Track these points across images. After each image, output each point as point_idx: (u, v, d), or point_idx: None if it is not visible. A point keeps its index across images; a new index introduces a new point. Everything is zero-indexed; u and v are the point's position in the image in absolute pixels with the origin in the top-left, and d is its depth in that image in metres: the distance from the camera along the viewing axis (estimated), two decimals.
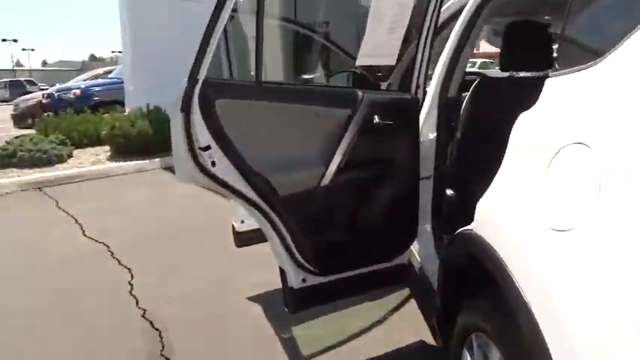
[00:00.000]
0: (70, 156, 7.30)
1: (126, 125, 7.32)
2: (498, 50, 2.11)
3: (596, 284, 0.86)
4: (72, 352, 2.46)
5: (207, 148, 1.64)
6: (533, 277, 1.01)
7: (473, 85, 2.27)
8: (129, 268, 3.41)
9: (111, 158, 7.29)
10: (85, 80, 13.44)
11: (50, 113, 9.91)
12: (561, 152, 1.00)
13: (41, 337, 2.59)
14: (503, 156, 1.30)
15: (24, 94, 17.15)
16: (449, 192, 2.26)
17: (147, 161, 6.99)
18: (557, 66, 1.24)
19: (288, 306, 2.00)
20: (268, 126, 1.79)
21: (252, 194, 1.76)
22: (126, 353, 2.43)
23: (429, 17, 2.01)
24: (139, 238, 4.03)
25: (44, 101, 12.39)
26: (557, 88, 1.17)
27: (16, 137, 7.33)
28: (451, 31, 2.20)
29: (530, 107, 1.24)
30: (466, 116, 2.27)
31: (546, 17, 2.95)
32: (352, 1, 12.77)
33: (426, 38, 2.05)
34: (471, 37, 2.15)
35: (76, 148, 7.74)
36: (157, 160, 6.98)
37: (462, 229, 1.38)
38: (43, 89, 19.65)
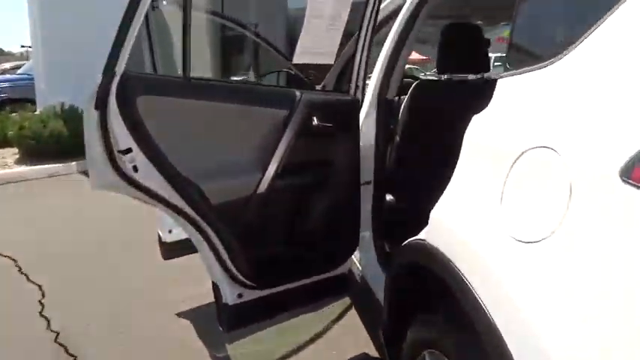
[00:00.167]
0: None
1: (37, 125, 6.74)
2: (423, 57, 2.09)
3: (566, 297, 0.80)
4: None
5: (128, 151, 1.45)
6: (497, 289, 0.93)
7: (412, 87, 2.23)
8: (39, 285, 3.04)
9: (19, 161, 6.66)
10: None
11: None
12: (524, 157, 0.94)
13: None
14: (453, 160, 1.22)
15: None
16: (389, 197, 2.20)
17: (61, 165, 6.44)
18: (507, 66, 1.18)
19: (222, 325, 1.84)
20: (198, 126, 1.63)
21: (180, 202, 1.58)
22: None
23: (367, 16, 1.92)
24: (51, 251, 3.62)
25: None
26: (512, 88, 1.11)
27: None
28: (390, 30, 2.14)
29: (482, 109, 1.17)
30: (406, 118, 2.22)
31: (479, 22, 3.01)
32: (280, 3, 12.69)
33: (365, 37, 1.96)
34: (409, 38, 2.10)
35: None
36: (72, 163, 6.46)
37: (412, 238, 1.29)
38: None
